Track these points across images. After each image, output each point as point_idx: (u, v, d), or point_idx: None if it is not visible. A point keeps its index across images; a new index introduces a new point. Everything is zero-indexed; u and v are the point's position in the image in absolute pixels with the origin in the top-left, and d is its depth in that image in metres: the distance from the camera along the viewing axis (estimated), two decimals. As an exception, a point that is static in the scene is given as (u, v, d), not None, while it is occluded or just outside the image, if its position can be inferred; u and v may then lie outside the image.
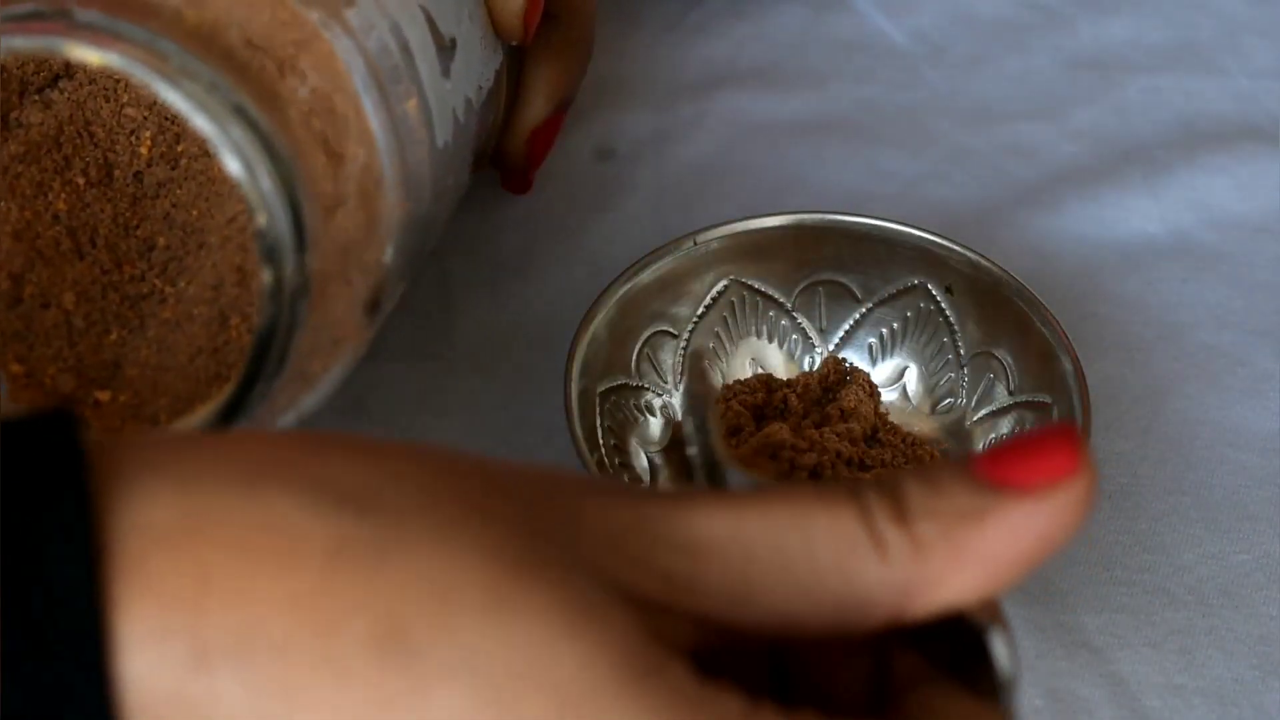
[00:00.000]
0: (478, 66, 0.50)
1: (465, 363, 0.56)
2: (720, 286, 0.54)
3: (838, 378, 0.54)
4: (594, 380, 0.51)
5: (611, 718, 0.29)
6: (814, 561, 0.31)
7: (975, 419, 0.53)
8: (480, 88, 0.50)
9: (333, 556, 0.29)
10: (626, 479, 0.51)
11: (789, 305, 0.54)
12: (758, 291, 0.54)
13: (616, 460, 0.51)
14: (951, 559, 0.31)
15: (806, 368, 0.55)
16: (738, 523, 0.31)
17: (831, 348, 0.54)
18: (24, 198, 0.46)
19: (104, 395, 0.45)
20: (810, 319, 0.55)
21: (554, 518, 0.31)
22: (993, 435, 0.52)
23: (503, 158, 0.56)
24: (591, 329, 0.51)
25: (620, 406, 0.52)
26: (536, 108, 0.55)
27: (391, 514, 0.30)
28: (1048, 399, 0.50)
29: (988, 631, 0.31)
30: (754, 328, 0.55)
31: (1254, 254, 0.60)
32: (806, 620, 0.31)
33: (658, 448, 0.53)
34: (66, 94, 0.46)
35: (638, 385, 0.53)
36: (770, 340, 0.55)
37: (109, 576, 0.29)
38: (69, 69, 0.46)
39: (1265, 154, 0.63)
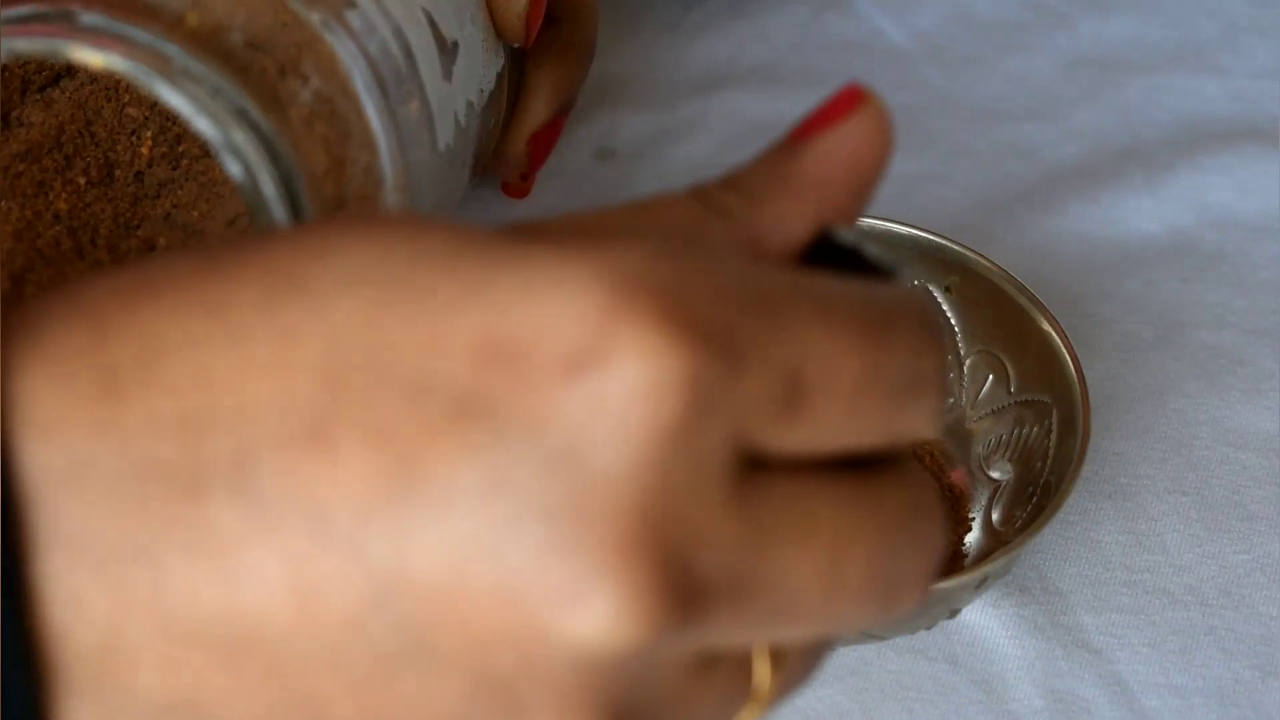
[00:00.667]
0: (479, 69, 0.50)
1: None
2: None
3: None
4: None
5: (497, 249, 0.28)
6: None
7: (975, 419, 0.53)
8: (482, 90, 0.50)
9: (216, 259, 0.29)
10: None
11: None
12: None
13: None
14: (782, 192, 0.32)
15: None
16: (582, 215, 0.31)
17: None
18: (25, 197, 0.46)
19: None
20: None
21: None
22: (991, 437, 0.52)
23: (503, 160, 0.56)
24: None
25: None
26: (538, 111, 0.55)
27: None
28: (1047, 398, 0.50)
29: (860, 245, 0.32)
30: None
31: (1254, 254, 0.60)
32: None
33: None
34: (68, 93, 0.46)
35: None
36: None
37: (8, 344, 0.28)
38: (70, 68, 0.46)
39: (1265, 154, 0.63)
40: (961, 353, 0.53)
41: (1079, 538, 0.52)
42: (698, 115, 0.64)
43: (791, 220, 0.32)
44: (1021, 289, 0.52)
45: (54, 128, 0.46)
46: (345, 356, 0.28)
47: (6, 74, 0.46)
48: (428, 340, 0.28)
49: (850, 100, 0.33)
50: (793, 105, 0.64)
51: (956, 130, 0.64)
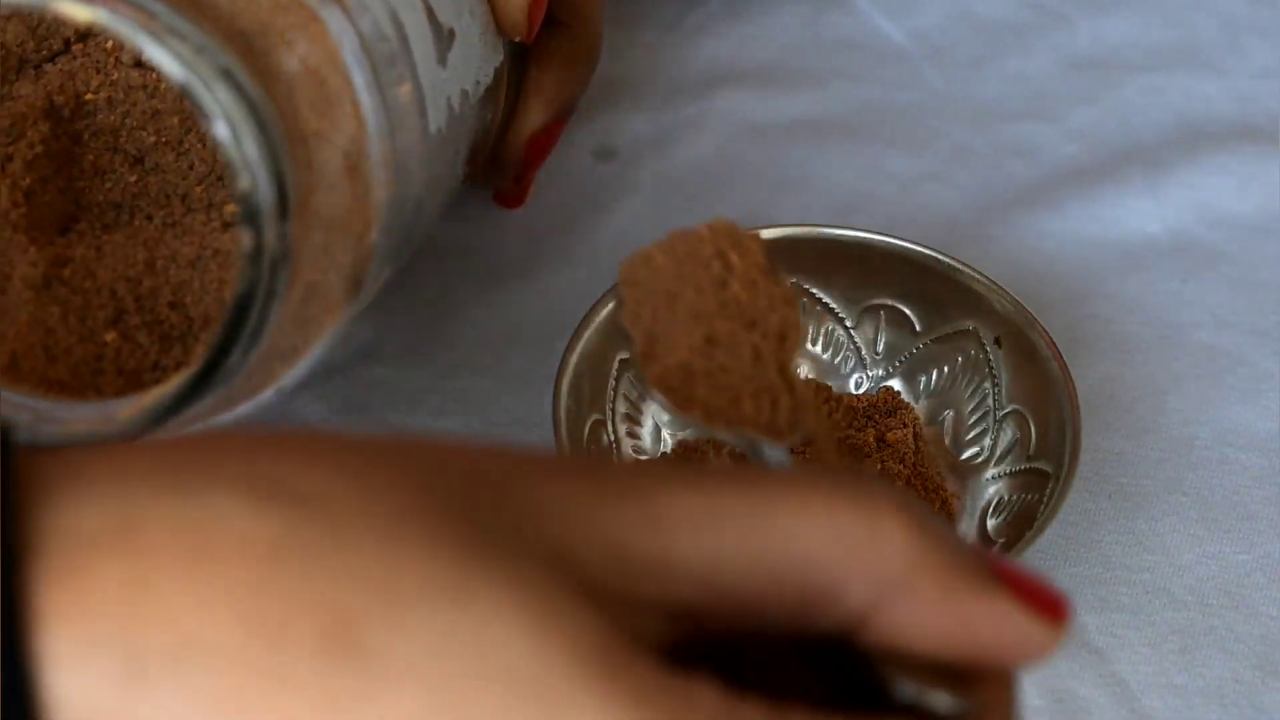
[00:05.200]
0: (476, 61, 0.50)
1: (465, 364, 0.56)
2: None
3: (887, 407, 0.54)
4: (617, 347, 0.52)
5: (572, 714, 0.28)
6: (790, 545, 0.30)
7: (989, 475, 0.52)
8: (478, 82, 0.50)
9: (275, 555, 0.28)
10: (620, 449, 0.51)
11: (849, 321, 0.54)
12: (819, 301, 0.54)
13: (624, 428, 0.51)
14: (937, 595, 0.31)
15: (852, 387, 0.54)
16: (710, 498, 0.30)
17: (883, 373, 0.54)
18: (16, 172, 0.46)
19: (110, 336, 0.45)
20: (866, 340, 0.54)
21: (508, 505, 0.30)
22: (998, 496, 0.52)
23: (499, 162, 0.56)
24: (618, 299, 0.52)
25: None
26: (537, 113, 0.55)
27: (334, 511, 0.29)
28: (1049, 468, 0.50)
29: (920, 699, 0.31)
30: (811, 334, 0.55)
31: (1254, 254, 0.60)
32: (772, 607, 0.31)
33: (673, 426, 0.53)
34: (59, 66, 0.47)
35: None
36: (825, 350, 0.55)
37: (32, 587, 0.27)
38: (68, 45, 0.47)
39: (1265, 154, 0.63)
40: (997, 407, 0.53)
41: (1079, 538, 0.52)
42: (698, 115, 0.64)
43: (915, 625, 0.31)
44: (1056, 353, 0.51)
45: (42, 98, 0.46)
46: None
47: (3, 53, 0.46)
48: None
49: (1057, 609, 0.32)
50: (793, 105, 0.65)
51: (956, 130, 0.64)
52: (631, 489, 0.30)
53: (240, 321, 0.40)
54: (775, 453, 0.36)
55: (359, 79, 0.43)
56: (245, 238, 0.40)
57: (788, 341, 0.37)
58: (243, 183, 0.40)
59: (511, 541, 0.29)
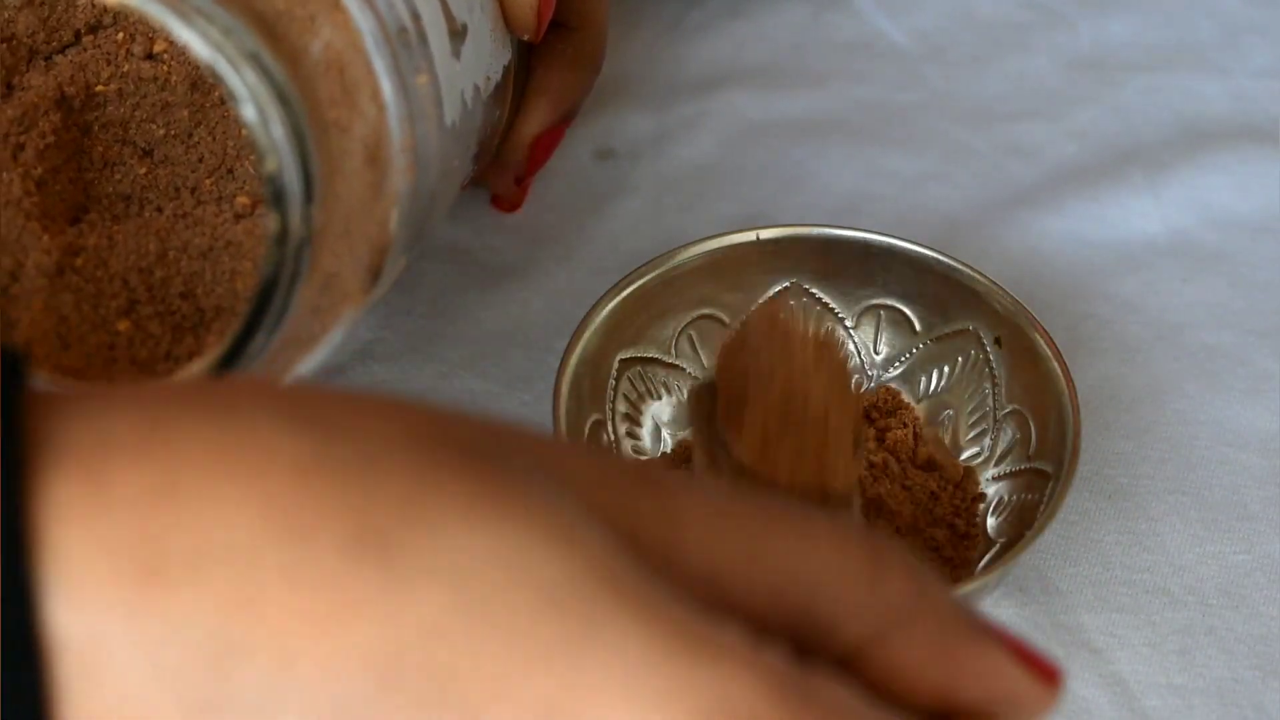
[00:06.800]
0: (486, 58, 0.50)
1: (465, 364, 0.56)
2: (782, 285, 0.54)
3: (887, 407, 0.54)
4: (617, 346, 0.52)
5: (595, 624, 0.28)
6: (794, 568, 0.30)
7: (989, 475, 0.52)
8: (488, 79, 0.50)
9: (305, 468, 0.28)
10: (620, 450, 0.51)
11: (849, 321, 0.54)
12: (819, 300, 0.54)
13: (624, 428, 0.51)
14: (934, 638, 0.31)
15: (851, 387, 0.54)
16: (724, 506, 0.30)
17: (883, 374, 0.54)
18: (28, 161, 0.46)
19: (123, 325, 0.46)
20: (866, 340, 0.54)
21: (533, 457, 0.30)
22: (998, 496, 0.52)
23: (500, 163, 0.56)
24: (618, 299, 0.52)
25: (646, 378, 0.53)
26: (541, 115, 0.55)
27: (362, 434, 0.29)
28: (1049, 468, 0.50)
29: None
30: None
31: (1254, 254, 0.60)
32: (770, 626, 0.30)
33: (673, 426, 0.53)
34: (69, 57, 0.47)
35: (671, 363, 0.53)
36: None
37: (47, 483, 0.27)
38: (78, 37, 0.47)
39: (1265, 154, 0.63)
40: (997, 407, 0.53)
41: (1079, 538, 0.52)
42: (698, 115, 0.64)
43: (910, 661, 0.31)
44: (1057, 354, 0.51)
45: (53, 89, 0.46)
46: (407, 659, 0.27)
47: (14, 43, 0.47)
48: (494, 683, 0.27)
49: (1051, 674, 0.32)
50: (793, 105, 0.65)
51: (956, 130, 0.64)
52: (648, 480, 0.30)
53: (264, 305, 0.40)
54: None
55: (380, 66, 0.43)
56: (271, 221, 0.40)
57: (858, 447, 0.39)
58: (269, 165, 0.40)
59: (535, 478, 0.29)
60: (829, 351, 0.39)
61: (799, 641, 0.30)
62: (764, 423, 0.37)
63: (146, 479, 0.27)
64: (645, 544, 0.29)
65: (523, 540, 0.28)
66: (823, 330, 0.39)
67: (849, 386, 0.39)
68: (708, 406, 0.38)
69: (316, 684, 0.27)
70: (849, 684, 0.30)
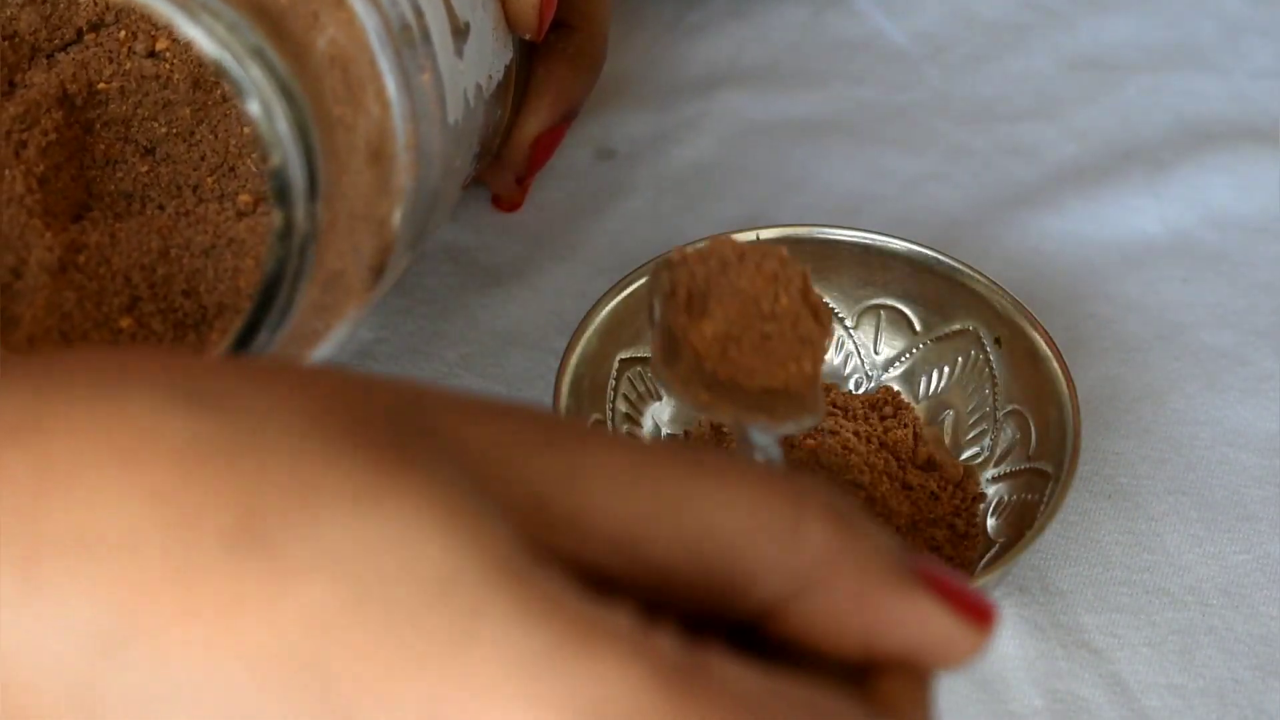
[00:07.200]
0: (488, 57, 0.50)
1: (465, 364, 0.56)
2: None
3: (887, 407, 0.54)
4: (617, 346, 0.52)
5: (480, 618, 0.27)
6: (710, 525, 0.30)
7: (989, 475, 0.52)
8: (490, 77, 0.50)
9: (186, 453, 0.27)
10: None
11: (849, 321, 0.54)
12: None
13: (624, 428, 0.52)
14: (851, 593, 0.30)
15: (852, 387, 0.54)
16: (635, 458, 0.30)
17: (883, 375, 0.54)
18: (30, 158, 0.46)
19: (126, 322, 0.46)
20: (866, 340, 0.54)
21: (429, 437, 0.29)
22: (998, 496, 0.52)
23: (501, 163, 0.56)
24: (618, 299, 0.52)
25: (646, 378, 0.53)
26: (542, 114, 0.55)
27: (249, 413, 0.28)
28: (1049, 468, 0.50)
29: None
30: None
31: (1254, 254, 0.60)
32: (685, 584, 0.30)
33: (673, 426, 0.53)
34: (71, 55, 0.47)
35: None
36: None
37: None
38: (80, 35, 0.47)
39: (1265, 154, 0.63)
40: (997, 407, 0.53)
41: (1079, 538, 0.52)
42: (698, 115, 0.64)
43: (828, 617, 0.31)
44: (1058, 354, 0.51)
45: (55, 86, 0.47)
46: (288, 657, 0.26)
47: (16, 41, 0.47)
48: (376, 683, 0.26)
49: (983, 614, 0.31)
50: (793, 105, 0.65)
51: (956, 130, 0.64)
52: (557, 438, 0.29)
53: (269, 300, 0.41)
54: (765, 439, 0.36)
55: (384, 63, 0.43)
56: (275, 216, 0.40)
57: (818, 348, 0.38)
58: (274, 160, 0.40)
59: (428, 458, 0.28)
60: (793, 267, 0.39)
61: (714, 599, 0.30)
62: (725, 315, 0.37)
63: (29, 460, 0.27)
64: (550, 509, 0.29)
65: (411, 528, 0.27)
66: (783, 250, 0.39)
67: (813, 295, 0.39)
68: (668, 286, 0.38)
69: (199, 681, 0.26)
70: (744, 661, 0.29)
